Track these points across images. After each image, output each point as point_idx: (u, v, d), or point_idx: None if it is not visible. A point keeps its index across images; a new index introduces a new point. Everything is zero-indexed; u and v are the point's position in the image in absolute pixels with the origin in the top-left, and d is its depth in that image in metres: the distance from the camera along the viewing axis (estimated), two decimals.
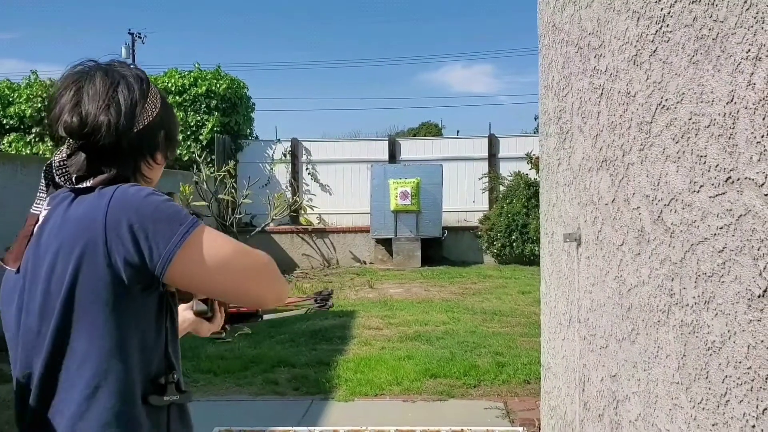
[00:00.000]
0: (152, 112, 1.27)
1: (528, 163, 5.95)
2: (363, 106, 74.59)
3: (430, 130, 38.44)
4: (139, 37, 37.22)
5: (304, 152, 13.51)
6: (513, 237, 11.88)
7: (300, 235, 12.79)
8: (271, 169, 13.40)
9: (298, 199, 12.86)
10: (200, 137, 13.02)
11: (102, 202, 1.15)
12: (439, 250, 12.40)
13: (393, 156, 13.24)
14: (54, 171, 1.22)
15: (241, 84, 13.84)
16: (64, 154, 1.23)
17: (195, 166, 12.01)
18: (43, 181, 1.27)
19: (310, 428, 3.66)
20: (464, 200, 13.07)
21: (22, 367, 1.20)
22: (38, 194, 1.27)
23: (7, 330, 1.24)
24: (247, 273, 1.24)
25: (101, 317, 1.14)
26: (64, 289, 1.13)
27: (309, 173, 13.42)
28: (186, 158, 12.88)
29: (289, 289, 8.71)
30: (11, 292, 1.23)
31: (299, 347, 6.11)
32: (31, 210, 1.26)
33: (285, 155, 13.41)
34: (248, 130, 14.22)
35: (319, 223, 12.97)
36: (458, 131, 38.90)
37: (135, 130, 1.23)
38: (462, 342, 6.16)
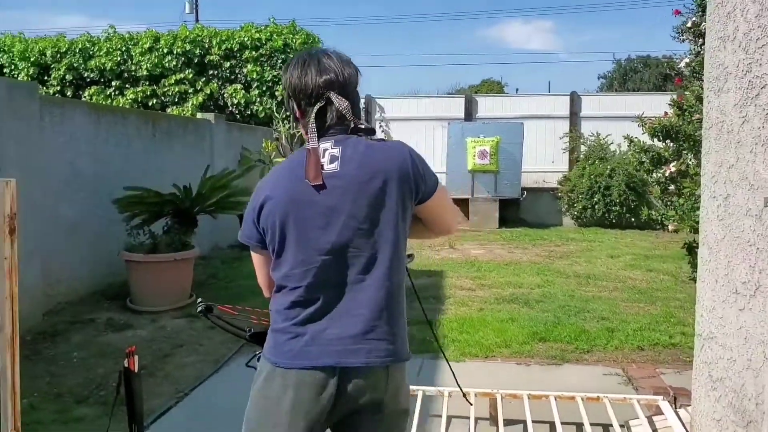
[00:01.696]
0: (355, 72, 1.79)
1: (640, 126, 5.66)
2: (420, 62, 73.54)
3: (492, 88, 37.68)
4: None
5: (377, 109, 13.36)
6: (595, 199, 11.57)
7: None
8: None
9: None
10: (276, 93, 12.97)
11: (404, 150, 1.75)
12: (516, 211, 12.18)
13: (469, 114, 12.97)
14: (341, 114, 1.72)
15: (317, 39, 13.68)
16: (343, 102, 1.71)
17: (273, 123, 11.99)
18: (312, 126, 1.72)
19: (439, 388, 3.60)
20: (543, 160, 12.77)
21: (334, 252, 1.68)
22: (310, 134, 1.72)
23: (304, 224, 1.70)
24: (453, 208, 1.98)
25: (405, 214, 1.73)
26: (396, 195, 1.69)
27: (382, 131, 13.28)
28: (262, 114, 12.89)
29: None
30: (312, 199, 1.68)
31: None
32: (310, 145, 1.71)
33: None
34: None
35: None
36: (517, 89, 38.03)
37: (356, 84, 1.79)
38: (563, 306, 6.02)
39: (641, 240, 10.50)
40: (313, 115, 1.71)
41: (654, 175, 5.62)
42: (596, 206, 11.59)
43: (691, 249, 5.40)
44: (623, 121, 12.39)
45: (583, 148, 12.44)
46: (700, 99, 4.59)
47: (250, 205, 1.78)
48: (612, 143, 12.21)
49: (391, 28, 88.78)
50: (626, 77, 43.22)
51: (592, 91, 23.70)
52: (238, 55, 13.22)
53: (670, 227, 4.63)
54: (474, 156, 11.61)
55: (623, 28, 73.37)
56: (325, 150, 1.69)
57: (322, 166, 1.67)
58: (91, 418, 3.65)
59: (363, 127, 1.73)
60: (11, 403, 2.05)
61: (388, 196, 1.67)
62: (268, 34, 13.26)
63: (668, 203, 5.37)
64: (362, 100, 13.23)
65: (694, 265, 5.50)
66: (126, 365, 2.82)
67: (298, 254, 1.70)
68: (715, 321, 2.83)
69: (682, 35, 10.53)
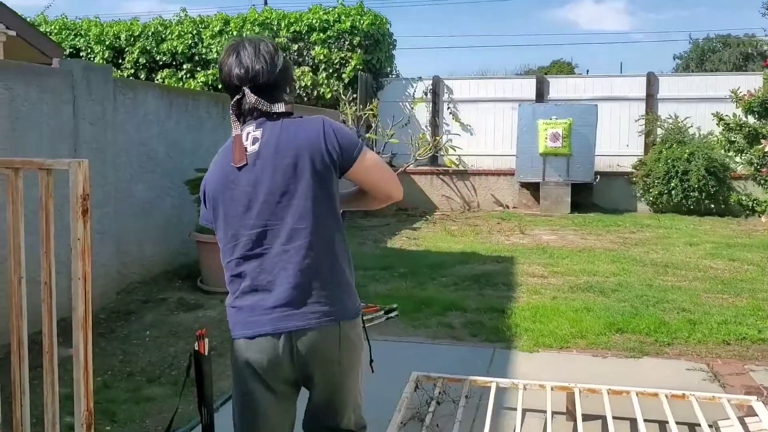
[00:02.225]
0: (282, 59, 1.95)
1: (734, 102, 5.31)
2: (488, 43, 72.32)
3: (563, 69, 36.65)
4: None
5: (445, 91, 13.12)
6: (672, 184, 11.06)
7: (440, 176, 12.56)
8: (412, 108, 13.13)
9: (439, 139, 12.57)
10: (343, 75, 12.92)
11: (318, 125, 1.90)
12: (588, 196, 11.79)
13: (540, 95, 12.59)
14: (252, 106, 1.90)
15: (384, 20, 13.54)
16: (253, 97, 1.89)
17: (340, 105, 11.96)
18: (232, 115, 1.93)
19: (513, 380, 3.46)
20: (617, 144, 12.29)
21: (257, 225, 1.87)
22: (233, 123, 1.93)
23: (231, 202, 1.90)
24: (386, 175, 2.02)
25: (324, 184, 1.88)
26: (309, 169, 1.85)
27: (450, 113, 13.06)
28: (329, 96, 12.87)
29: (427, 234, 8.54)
30: (235, 180, 1.89)
31: (466, 291, 5.93)
32: (234, 133, 1.92)
33: (426, 94, 13.09)
34: (389, 68, 13.98)
35: (459, 164, 12.66)
36: (587, 71, 36.84)
37: (277, 71, 1.92)
38: (640, 296, 5.75)
39: (722, 227, 9.99)
40: (233, 105, 1.92)
41: (744, 156, 5.27)
42: (673, 191, 11.08)
43: None
44: (703, 102, 11.82)
45: (659, 131, 11.91)
46: None
47: (200, 194, 2.03)
48: (691, 126, 11.64)
49: (460, 7, 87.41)
50: (704, 57, 41.33)
51: (667, 72, 22.74)
52: (306, 37, 13.23)
53: (764, 219, 4.31)
54: (546, 138, 11.27)
55: (701, 6, 70.13)
56: (248, 133, 1.90)
57: (246, 148, 1.88)
58: (162, 398, 3.68)
59: (277, 112, 1.90)
60: (84, 384, 2.03)
61: (302, 169, 1.85)
62: (336, 15, 13.21)
63: (764, 183, 5.01)
64: (429, 82, 13.01)
65: None
66: (196, 348, 2.79)
67: (228, 230, 1.92)
68: None
69: None
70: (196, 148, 6.83)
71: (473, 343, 4.63)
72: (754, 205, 4.73)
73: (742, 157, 5.26)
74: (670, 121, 11.80)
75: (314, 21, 13.22)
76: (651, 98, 12.20)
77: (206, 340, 2.90)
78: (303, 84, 13.04)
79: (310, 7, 13.56)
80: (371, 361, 2.14)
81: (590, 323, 4.95)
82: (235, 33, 13.61)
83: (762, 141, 4.82)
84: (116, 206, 5.66)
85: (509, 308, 5.35)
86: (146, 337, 4.74)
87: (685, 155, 11.06)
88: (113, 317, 5.16)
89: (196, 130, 6.96)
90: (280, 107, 1.91)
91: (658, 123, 11.89)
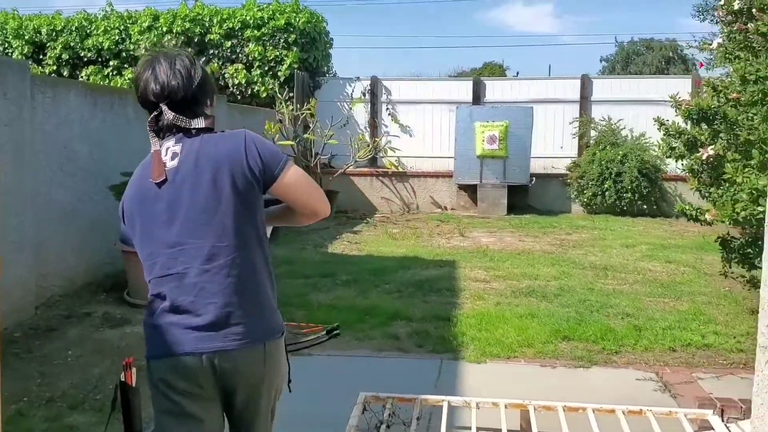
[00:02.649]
0: (199, 73, 1.88)
1: (674, 108, 5.34)
2: (423, 44, 72.81)
3: (494, 71, 37.18)
4: None
5: (384, 91, 12.97)
6: (606, 186, 11.24)
7: (380, 178, 12.39)
8: (350, 108, 12.92)
9: (378, 140, 12.41)
10: (278, 73, 12.59)
11: (239, 139, 1.85)
12: (524, 197, 11.86)
13: (477, 97, 12.59)
14: (171, 123, 1.84)
15: (320, 18, 13.27)
16: (171, 114, 1.83)
17: (276, 104, 11.64)
18: (150, 132, 1.86)
19: (465, 398, 3.30)
20: (551, 146, 12.40)
21: (177, 243, 1.81)
22: (151, 139, 1.87)
23: (150, 219, 1.84)
24: (312, 191, 1.95)
25: (246, 201, 1.83)
26: (230, 184, 1.80)
27: (389, 114, 12.91)
28: (264, 95, 12.52)
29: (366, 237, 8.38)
30: (154, 196, 1.82)
31: (410, 299, 5.76)
32: (153, 148, 1.86)
33: (364, 94, 12.91)
34: (326, 67, 13.72)
35: (398, 166, 12.52)
36: (517, 72, 37.47)
37: (194, 86, 1.85)
38: (583, 300, 5.72)
39: (654, 228, 10.20)
40: (150, 121, 1.86)
41: (684, 162, 5.28)
42: (606, 193, 11.26)
43: (726, 243, 5.10)
44: (635, 105, 12.08)
45: (593, 133, 12.09)
46: (745, 80, 4.26)
47: (119, 212, 1.96)
48: (624, 128, 11.87)
49: (393, 8, 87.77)
50: (629, 60, 42.75)
51: (594, 74, 23.33)
52: (240, 34, 12.83)
53: (708, 216, 4.30)
54: (483, 141, 11.25)
55: (625, 11, 72.59)
56: (167, 148, 1.84)
57: (165, 164, 1.82)
58: (86, 427, 3.36)
59: (196, 128, 1.85)
60: None
61: (222, 185, 1.80)
62: (271, 12, 12.87)
63: (705, 194, 5.05)
64: (367, 82, 12.85)
65: (727, 260, 5.21)
66: (122, 379, 2.51)
67: (147, 248, 1.86)
68: None
69: (702, 14, 10.18)
70: (124, 150, 6.43)
71: (420, 354, 4.47)
72: (698, 214, 4.72)
73: (683, 163, 5.26)
74: (604, 123, 12.00)
75: (248, 18, 12.84)
76: (585, 100, 12.37)
77: (134, 369, 2.62)
78: (237, 82, 12.65)
79: (244, 3, 13.17)
80: (289, 381, 2.08)
81: (536, 330, 4.86)
82: (164, 29, 13.09)
83: (700, 149, 4.81)
84: (35, 213, 5.24)
85: (454, 316, 5.22)
86: (68, 357, 4.37)
87: (619, 157, 11.26)
88: (31, 335, 4.75)
89: (123, 131, 6.56)
90: (199, 123, 1.87)
91: (592, 125, 12.07)
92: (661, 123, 5.56)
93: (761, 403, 2.74)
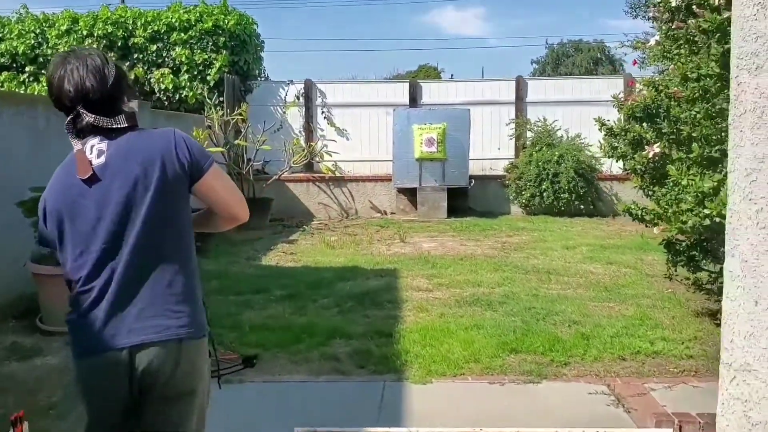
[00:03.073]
0: (113, 71, 1.86)
1: (615, 107, 5.22)
2: (357, 47, 72.63)
3: (429, 74, 37.34)
4: None
5: (318, 95, 12.65)
6: (543, 186, 11.21)
7: (316, 183, 12.04)
8: (284, 112, 12.54)
9: (314, 145, 12.06)
10: (207, 77, 12.08)
11: (169, 133, 1.91)
12: (464, 200, 11.72)
13: (414, 100, 12.41)
14: (92, 124, 1.83)
15: (250, 20, 12.83)
16: (90, 116, 1.82)
17: (205, 109, 11.15)
18: (69, 133, 1.84)
19: (410, 429, 3.04)
20: (489, 147, 12.33)
21: (107, 240, 1.81)
22: (72, 140, 1.85)
23: (78, 217, 1.83)
24: (234, 194, 2.02)
25: (173, 195, 1.87)
26: (160, 179, 1.82)
27: (324, 117, 12.59)
28: (192, 100, 12.00)
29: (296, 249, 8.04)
30: (82, 193, 1.81)
31: (350, 314, 5.46)
32: (75, 149, 1.84)
33: (298, 98, 12.54)
34: (257, 71, 13.29)
35: (336, 170, 12.20)
36: (452, 75, 37.73)
37: (109, 85, 1.84)
38: (529, 308, 5.54)
39: (592, 228, 10.21)
40: (67, 124, 1.83)
41: (627, 162, 5.17)
42: (544, 194, 11.24)
43: (670, 245, 5.00)
44: (570, 105, 12.13)
45: (529, 134, 12.07)
46: (686, 78, 4.14)
47: (39, 213, 1.91)
48: (559, 129, 11.88)
49: (327, 11, 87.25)
50: (559, 62, 43.69)
51: (526, 75, 23.59)
52: (166, 37, 12.27)
53: (656, 230, 4.16)
54: (421, 144, 11.06)
55: (553, 13, 74.28)
56: (92, 146, 1.83)
57: (90, 161, 1.81)
58: None
59: (118, 127, 1.85)
60: None
61: (150, 180, 1.81)
62: (198, 14, 12.36)
63: (649, 193, 4.93)
64: (301, 85, 12.49)
65: (673, 262, 5.12)
66: None
67: (76, 247, 1.83)
68: (756, 351, 2.33)
69: (635, 11, 10.25)
70: (35, 163, 5.91)
71: (361, 377, 4.17)
72: (643, 214, 4.60)
73: (625, 163, 5.14)
74: (540, 124, 11.99)
75: (174, 20, 12.29)
76: (520, 101, 12.35)
77: (25, 424, 2.25)
78: (163, 87, 12.09)
79: (169, 5, 12.61)
80: (219, 376, 2.15)
81: (482, 343, 4.64)
82: (84, 32, 12.40)
83: (646, 147, 4.69)
84: None
85: (397, 331, 4.95)
86: None
87: (555, 157, 11.26)
88: None
89: (33, 142, 6.03)
90: (121, 121, 1.86)
91: (528, 126, 12.04)
92: (602, 123, 5.44)
93: (726, 424, 2.55)
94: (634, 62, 9.03)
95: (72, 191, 1.82)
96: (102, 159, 1.81)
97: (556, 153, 11.28)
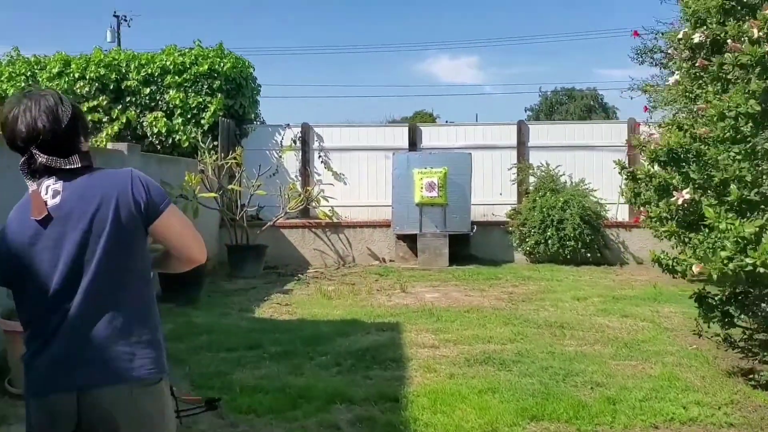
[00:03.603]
0: (68, 112, 1.85)
1: (638, 148, 4.89)
2: (351, 94, 73.25)
3: (425, 120, 37.33)
4: (125, 20, 35.94)
5: (315, 138, 12.35)
6: (548, 233, 10.82)
7: (312, 229, 11.62)
8: (280, 157, 12.22)
9: (310, 189, 11.70)
10: (202, 121, 11.80)
11: (126, 173, 1.88)
12: (465, 247, 11.31)
13: (413, 143, 12.12)
14: (45, 164, 1.80)
15: (246, 63, 12.61)
16: (43, 157, 1.80)
17: (199, 153, 10.82)
18: (24, 174, 1.83)
19: None
20: (490, 192, 11.98)
21: (60, 281, 1.78)
22: (27, 181, 1.83)
23: (33, 258, 1.80)
24: (191, 234, 1.96)
25: (128, 235, 1.84)
26: (114, 219, 1.80)
27: (322, 161, 12.27)
28: (186, 144, 11.68)
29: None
30: (37, 234, 1.79)
31: (350, 374, 5.00)
32: (30, 189, 1.81)
33: (295, 141, 12.25)
34: (253, 115, 13.02)
35: (332, 216, 11.82)
36: (446, 121, 37.81)
37: (63, 126, 1.83)
38: (546, 368, 5.09)
39: (601, 277, 9.81)
40: (22, 164, 1.81)
41: (651, 208, 4.79)
42: (549, 241, 10.83)
43: (702, 300, 4.59)
44: (573, 150, 11.86)
45: (532, 179, 11.75)
46: (722, 116, 3.80)
47: None
48: (563, 174, 11.56)
49: (324, 57, 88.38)
50: (552, 109, 44.01)
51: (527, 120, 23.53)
52: (160, 80, 12.04)
53: (695, 269, 3.75)
54: (421, 188, 10.71)
55: (546, 63, 75.45)
56: (48, 186, 1.81)
57: (46, 202, 1.79)
58: None
59: (72, 168, 1.83)
60: None
61: (105, 221, 1.78)
62: (193, 57, 12.15)
63: (685, 240, 4.52)
64: (297, 129, 12.23)
65: (705, 318, 4.70)
66: None
67: (31, 288, 1.81)
68: None
69: (641, 56, 10.06)
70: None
71: None
72: (674, 264, 4.20)
73: (650, 210, 4.76)
74: (543, 169, 11.67)
75: (168, 63, 12.08)
76: (522, 146, 12.07)
77: None
78: (156, 130, 11.80)
79: (164, 48, 12.41)
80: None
81: (499, 410, 4.19)
82: (76, 75, 12.17)
83: (674, 193, 4.32)
84: None
85: (403, 395, 4.48)
86: None
87: (560, 203, 10.90)
88: None
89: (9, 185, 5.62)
90: (74, 162, 1.84)
91: (531, 171, 11.72)
92: (622, 167, 5.08)
93: None
94: (645, 108, 8.77)
95: (26, 232, 1.80)
96: (57, 200, 1.80)
97: (561, 198, 10.93)
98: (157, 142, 11.79)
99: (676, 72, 5.25)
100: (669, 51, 8.45)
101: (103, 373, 1.77)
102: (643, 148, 4.67)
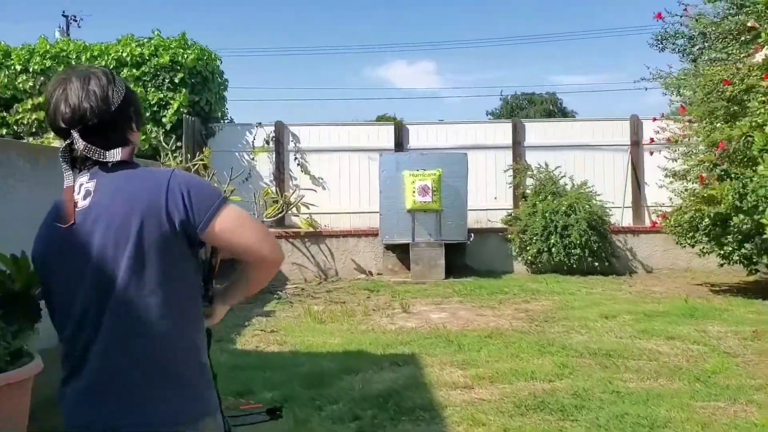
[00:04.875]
0: (120, 93, 1.60)
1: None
2: (314, 97, 71.83)
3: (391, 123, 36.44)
4: (75, 20, 34.07)
5: (290, 138, 11.18)
6: (552, 241, 9.84)
7: (290, 240, 10.40)
8: (252, 159, 11.01)
9: (288, 195, 10.51)
10: (163, 119, 10.51)
11: (162, 178, 1.55)
12: (462, 257, 10.26)
13: (399, 144, 11.05)
14: (83, 153, 1.55)
15: (213, 55, 11.38)
16: (82, 144, 1.55)
17: (161, 155, 9.54)
18: (63, 163, 1.57)
19: None
20: (484, 197, 10.98)
21: (86, 301, 1.52)
22: (65, 173, 1.58)
23: (60, 270, 1.57)
24: (253, 231, 1.61)
25: (167, 254, 1.54)
26: (141, 234, 1.51)
27: (298, 164, 11.10)
28: (146, 146, 10.36)
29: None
30: (63, 243, 1.54)
31: (373, 429, 3.86)
32: (65, 184, 1.57)
33: (268, 142, 11.06)
34: (221, 113, 11.77)
35: (312, 224, 10.64)
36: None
37: (112, 109, 1.58)
38: (618, 415, 4.03)
39: (614, 289, 8.88)
40: (63, 151, 1.59)
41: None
42: (553, 249, 9.86)
43: None
44: (573, 150, 10.96)
45: (529, 181, 10.77)
46: None
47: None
48: (563, 175, 10.61)
49: (288, 59, 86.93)
50: (513, 114, 43.74)
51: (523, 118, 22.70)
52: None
53: None
54: (413, 192, 9.61)
55: (503, 69, 75.59)
56: (81, 185, 1.59)
57: (76, 203, 1.57)
58: None
59: (111, 161, 1.58)
60: None
61: (135, 231, 1.51)
62: (153, 48, 10.85)
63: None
64: (270, 128, 11.05)
65: None
66: None
67: (59, 304, 1.61)
68: None
69: (662, 43, 9.16)
70: None
71: None
72: None
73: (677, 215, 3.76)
74: (542, 170, 10.70)
75: (125, 54, 10.77)
76: (518, 146, 11.11)
77: None
78: None
79: (120, 38, 11.07)
80: None
81: None
82: (18, 67, 10.76)
83: None
84: None
85: None
86: None
87: (563, 208, 9.94)
88: None
89: None
90: (116, 155, 1.58)
91: (529, 173, 10.75)
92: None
93: None
94: (683, 109, 7.86)
95: (57, 240, 1.57)
96: (87, 202, 1.55)
97: (565, 203, 9.96)
98: None
99: (766, 47, 4.25)
100: (705, 32, 7.57)
101: (130, 414, 1.51)
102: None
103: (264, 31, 79.84)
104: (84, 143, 1.55)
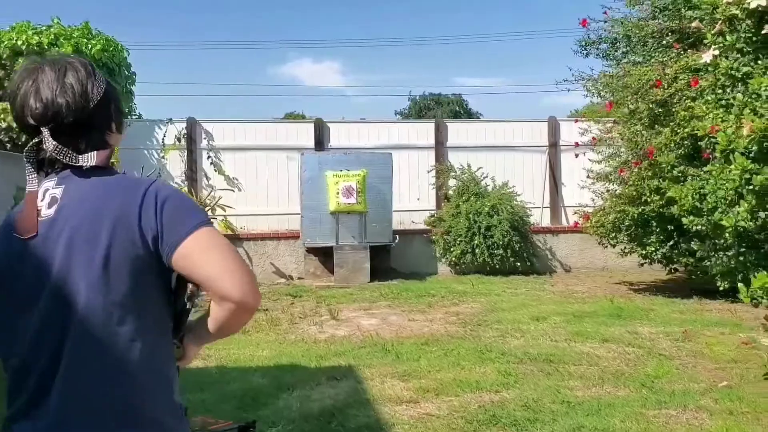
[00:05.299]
0: (100, 88, 1.40)
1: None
2: (220, 93, 69.96)
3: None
4: None
5: (203, 136, 10.60)
6: (475, 242, 9.78)
7: None
8: (162, 157, 10.36)
9: (202, 196, 9.94)
10: None
11: (139, 188, 1.34)
12: (386, 259, 10.02)
13: (320, 143, 10.70)
14: (51, 155, 1.34)
15: (120, 47, 10.60)
16: (51, 144, 1.33)
17: None
18: (28, 165, 1.37)
19: None
20: (407, 197, 10.82)
21: (39, 326, 1.31)
22: (29, 175, 1.37)
23: (14, 284, 1.35)
24: (218, 262, 1.33)
25: (137, 273, 1.34)
26: (111, 245, 1.31)
27: (211, 163, 10.53)
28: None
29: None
30: (20, 256, 1.33)
31: None
32: (28, 189, 1.36)
33: (179, 139, 10.44)
34: (128, 108, 11.01)
35: (228, 227, 10.11)
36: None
37: (91, 106, 1.37)
38: (574, 428, 3.88)
39: (537, 289, 8.92)
40: (28, 150, 1.38)
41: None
42: (477, 250, 9.80)
43: None
44: (494, 151, 10.97)
45: (452, 182, 10.68)
46: None
47: None
48: (485, 176, 10.57)
49: (190, 54, 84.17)
50: (421, 114, 44.26)
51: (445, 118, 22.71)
52: (9, 63, 9.77)
53: None
54: (338, 193, 9.27)
55: (407, 71, 76.58)
56: (46, 190, 1.38)
57: (39, 212, 1.36)
58: None
59: (83, 166, 1.36)
60: None
61: (104, 248, 1.30)
62: (52, 37, 9.97)
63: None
64: (182, 125, 10.44)
65: None
66: None
67: (10, 327, 1.37)
68: None
69: (585, 49, 9.26)
70: None
71: None
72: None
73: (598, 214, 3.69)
74: (464, 171, 10.63)
75: (20, 43, 9.83)
76: (440, 146, 11.02)
77: None
78: (5, 125, 9.51)
79: (14, 25, 10.12)
80: None
81: None
82: None
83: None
84: None
85: None
86: None
87: (486, 209, 9.90)
88: None
89: None
90: (90, 159, 1.36)
91: (452, 174, 10.65)
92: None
93: None
94: (609, 105, 7.90)
95: (13, 252, 1.36)
96: (51, 211, 1.35)
97: (488, 203, 9.92)
98: (7, 139, 9.51)
99: (713, 47, 4.22)
100: (629, 35, 7.66)
101: None
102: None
103: (160, 26, 77.13)
104: (54, 144, 1.35)
